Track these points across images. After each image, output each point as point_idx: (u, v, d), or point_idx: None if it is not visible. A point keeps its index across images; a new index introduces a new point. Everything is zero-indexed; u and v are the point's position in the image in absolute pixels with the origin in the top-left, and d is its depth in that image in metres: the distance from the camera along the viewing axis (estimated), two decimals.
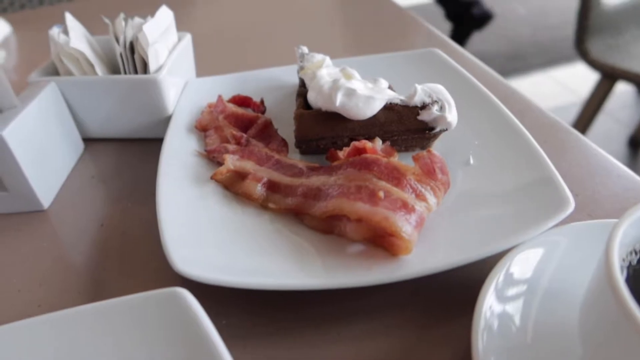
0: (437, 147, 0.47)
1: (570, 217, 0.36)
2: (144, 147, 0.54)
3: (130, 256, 0.41)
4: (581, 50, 1.59)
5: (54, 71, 0.53)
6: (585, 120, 1.72)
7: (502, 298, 0.31)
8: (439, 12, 2.62)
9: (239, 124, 0.49)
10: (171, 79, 0.52)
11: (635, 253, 0.28)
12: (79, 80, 0.50)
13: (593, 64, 1.57)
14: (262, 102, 0.53)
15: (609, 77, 1.60)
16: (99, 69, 0.51)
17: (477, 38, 2.87)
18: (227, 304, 0.35)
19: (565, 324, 0.31)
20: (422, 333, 0.33)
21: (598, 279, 0.26)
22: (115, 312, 0.31)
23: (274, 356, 0.33)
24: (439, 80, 0.48)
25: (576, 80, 2.40)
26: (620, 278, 0.24)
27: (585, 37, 1.58)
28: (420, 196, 0.36)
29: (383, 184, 0.36)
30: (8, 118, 0.43)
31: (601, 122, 2.02)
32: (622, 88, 2.18)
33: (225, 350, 0.28)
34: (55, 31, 0.52)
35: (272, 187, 0.42)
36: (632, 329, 0.22)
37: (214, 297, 0.34)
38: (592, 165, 0.47)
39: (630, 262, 0.27)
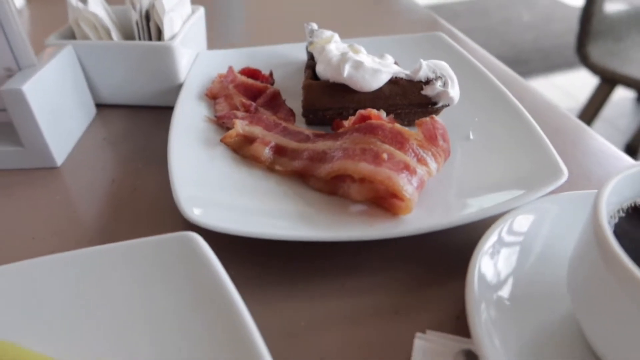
0: None
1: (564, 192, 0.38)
2: (154, 114, 0.56)
3: (140, 210, 0.42)
4: (582, 55, 1.61)
5: (71, 35, 0.54)
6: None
7: (495, 255, 0.33)
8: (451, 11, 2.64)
9: (248, 94, 0.51)
10: (184, 48, 0.54)
11: (622, 211, 0.30)
12: (95, 44, 0.52)
13: (593, 68, 1.59)
14: (271, 74, 0.55)
15: (608, 81, 1.62)
16: (115, 35, 0.52)
17: (481, 42, 2.89)
18: (235, 255, 0.37)
19: (555, 281, 0.32)
20: (420, 287, 0.35)
21: (586, 232, 0.28)
22: (127, 253, 0.32)
23: (280, 303, 0.34)
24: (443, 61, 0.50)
25: (576, 86, 2.42)
26: (606, 225, 0.26)
27: (586, 41, 1.60)
28: (421, 160, 0.38)
29: (387, 147, 0.38)
30: (27, 75, 0.45)
31: (599, 128, 2.04)
32: (621, 96, 2.21)
33: (235, 290, 0.29)
34: None
35: (279, 150, 0.44)
36: (616, 275, 0.24)
37: (222, 248, 0.35)
38: (588, 147, 0.49)
39: (617, 219, 0.29)
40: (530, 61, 2.76)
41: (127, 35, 0.56)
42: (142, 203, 0.43)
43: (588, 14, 1.57)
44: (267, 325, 0.32)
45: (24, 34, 0.45)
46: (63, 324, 0.30)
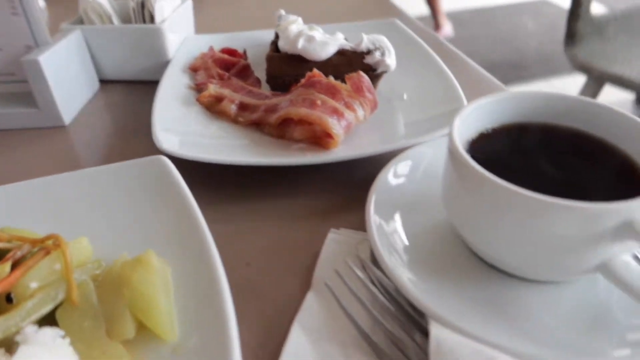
0: (382, 87, 0.58)
1: None
2: (148, 88, 0.65)
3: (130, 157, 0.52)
4: (570, 55, 1.69)
5: (81, 23, 0.65)
6: None
7: (393, 175, 0.41)
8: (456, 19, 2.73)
9: (224, 66, 0.61)
10: (172, 32, 0.64)
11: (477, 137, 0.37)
12: (98, 28, 0.63)
13: (581, 67, 1.66)
14: (244, 52, 0.65)
15: (596, 80, 1.69)
16: (115, 20, 0.63)
17: (486, 48, 2.98)
18: (200, 180, 0.46)
19: (435, 195, 0.40)
20: (342, 200, 0.44)
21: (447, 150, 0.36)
22: (103, 175, 0.42)
23: (234, 214, 0.44)
24: (395, 44, 0.59)
25: (574, 88, 2.48)
26: (458, 141, 0.33)
27: (573, 42, 1.67)
28: (350, 107, 0.47)
29: (322, 96, 0.47)
30: (43, 50, 0.56)
31: None
32: (621, 98, 2.26)
33: (192, 199, 0.38)
34: None
35: (243, 107, 0.53)
36: (469, 177, 0.32)
37: (193, 175, 0.44)
38: None
39: (469, 144, 0.36)
40: (533, 65, 2.82)
41: (126, 21, 0.67)
42: (132, 155, 0.52)
43: (574, 15, 1.65)
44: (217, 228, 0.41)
45: (41, 17, 0.56)
46: (66, 223, 0.39)
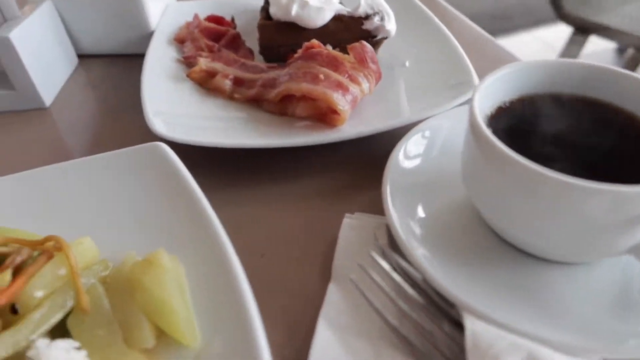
0: (382, 54, 0.55)
1: None
2: (131, 61, 0.61)
3: (122, 143, 0.48)
4: (555, 5, 1.66)
5: None
6: None
7: (409, 153, 0.40)
8: None
9: (212, 36, 0.57)
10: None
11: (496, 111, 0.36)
12: None
13: (566, 18, 1.64)
14: (232, 19, 0.61)
15: (582, 31, 1.67)
16: None
17: None
18: (203, 166, 0.43)
19: (454, 172, 0.38)
20: (353, 182, 0.42)
21: (467, 127, 0.34)
22: (98, 165, 0.39)
23: (240, 201, 0.41)
24: (392, 7, 0.56)
25: (560, 40, 2.46)
26: (479, 117, 0.31)
27: None
28: (355, 80, 0.45)
29: (324, 69, 0.44)
30: (12, 25, 0.51)
31: None
32: (603, 47, 2.25)
33: (197, 186, 0.36)
34: None
35: (238, 82, 0.50)
36: (494, 159, 0.30)
37: (194, 161, 0.40)
38: None
39: (488, 118, 0.35)
40: (515, 16, 2.77)
41: None
42: (122, 138, 0.49)
43: None
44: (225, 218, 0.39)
45: None
46: (62, 221, 0.37)
